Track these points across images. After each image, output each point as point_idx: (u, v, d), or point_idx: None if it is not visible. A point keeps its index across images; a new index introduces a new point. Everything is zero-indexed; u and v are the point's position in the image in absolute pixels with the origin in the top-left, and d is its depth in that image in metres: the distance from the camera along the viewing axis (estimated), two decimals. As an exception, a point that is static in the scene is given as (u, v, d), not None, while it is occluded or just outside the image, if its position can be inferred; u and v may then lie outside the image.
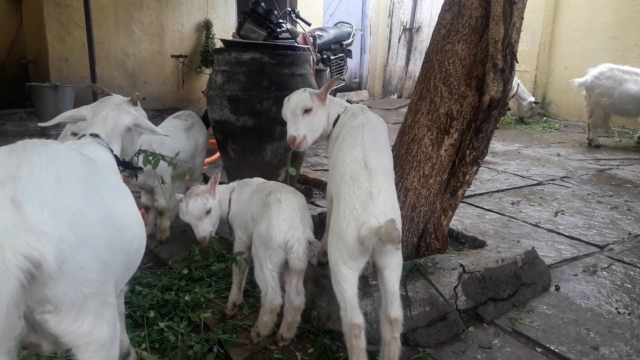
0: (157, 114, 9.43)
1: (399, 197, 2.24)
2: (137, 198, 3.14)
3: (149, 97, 9.31)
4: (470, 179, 2.60)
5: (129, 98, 2.25)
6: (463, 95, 2.42)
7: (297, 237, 2.06)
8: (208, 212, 2.35)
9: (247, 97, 3.68)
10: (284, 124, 3.77)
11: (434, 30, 2.54)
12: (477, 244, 2.98)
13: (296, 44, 5.15)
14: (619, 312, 2.61)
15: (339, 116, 2.24)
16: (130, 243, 1.57)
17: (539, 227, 3.87)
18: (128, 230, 1.56)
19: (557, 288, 2.84)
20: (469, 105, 2.44)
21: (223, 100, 3.74)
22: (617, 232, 3.78)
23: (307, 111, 2.14)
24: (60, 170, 1.31)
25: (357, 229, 1.74)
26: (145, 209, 3.43)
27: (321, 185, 4.32)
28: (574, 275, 3.04)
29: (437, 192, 2.60)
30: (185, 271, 2.80)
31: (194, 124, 3.64)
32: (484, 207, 4.27)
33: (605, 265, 3.19)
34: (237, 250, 2.38)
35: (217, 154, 4.55)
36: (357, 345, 1.82)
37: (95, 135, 1.99)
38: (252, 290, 2.61)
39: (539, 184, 5.17)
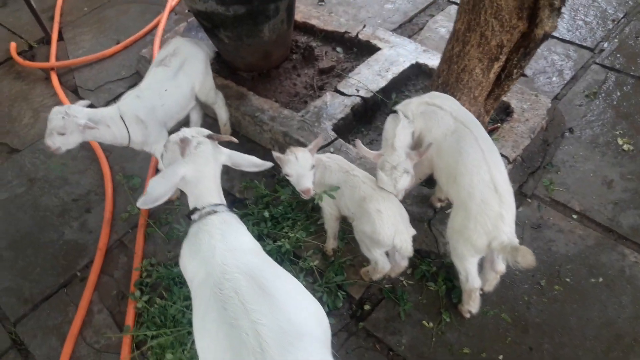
0: None
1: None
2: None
3: None
4: (512, 86, 2.78)
5: (208, 134, 2.12)
6: (514, 26, 2.39)
7: (404, 239, 2.37)
8: (312, 167, 2.43)
9: (233, -15, 3.25)
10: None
11: (482, -38, 2.30)
12: (503, 106, 3.29)
13: None
14: (624, 150, 3.20)
15: None
16: (324, 326, 1.79)
17: (531, 30, 4.06)
18: (314, 326, 1.72)
19: (572, 131, 3.34)
20: (519, 32, 2.43)
21: (205, -8, 3.29)
22: (601, 21, 4.05)
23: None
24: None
25: (488, 240, 2.16)
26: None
27: (314, 32, 4.16)
28: (579, 105, 3.49)
29: (484, 102, 2.79)
30: (266, 213, 3.08)
31: (185, 59, 3.12)
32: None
33: (602, 79, 3.61)
34: (328, 224, 2.70)
35: None
36: (475, 295, 2.46)
37: (216, 205, 2.02)
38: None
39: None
